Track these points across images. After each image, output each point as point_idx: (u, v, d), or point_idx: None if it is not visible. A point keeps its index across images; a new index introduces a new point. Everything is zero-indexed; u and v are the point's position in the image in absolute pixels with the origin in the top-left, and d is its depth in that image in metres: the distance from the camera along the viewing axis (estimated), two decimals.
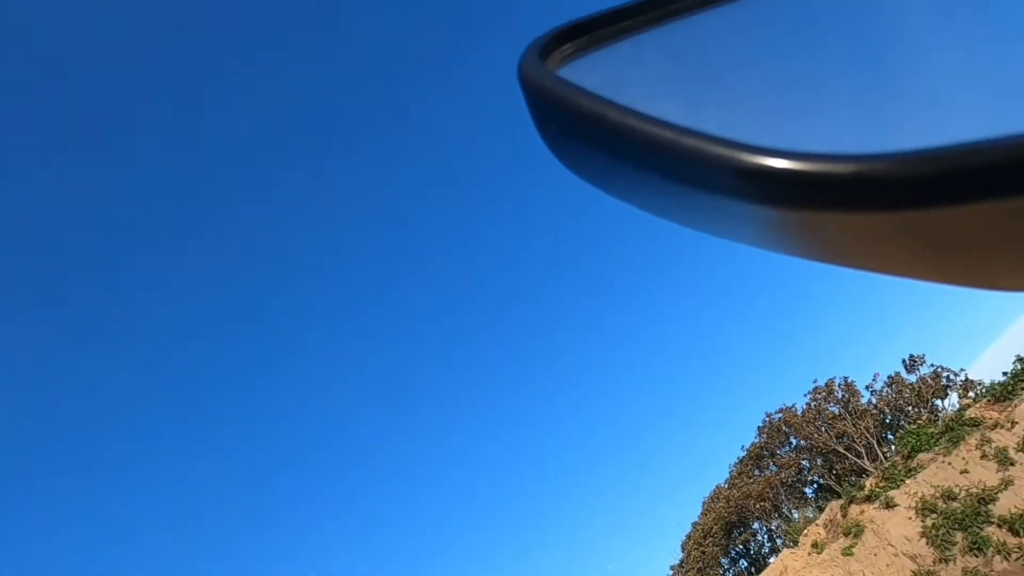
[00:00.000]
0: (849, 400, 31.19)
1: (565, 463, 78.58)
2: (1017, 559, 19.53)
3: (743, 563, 35.08)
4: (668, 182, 0.35)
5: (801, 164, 0.29)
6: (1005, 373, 25.31)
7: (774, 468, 33.11)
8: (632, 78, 0.50)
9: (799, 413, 32.39)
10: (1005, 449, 21.90)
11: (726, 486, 35.08)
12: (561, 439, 79.04)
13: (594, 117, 0.39)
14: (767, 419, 33.94)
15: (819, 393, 32.12)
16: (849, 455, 29.73)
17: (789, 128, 0.38)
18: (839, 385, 31.36)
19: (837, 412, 31.42)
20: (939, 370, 30.08)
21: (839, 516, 24.91)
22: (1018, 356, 26.05)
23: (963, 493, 21.44)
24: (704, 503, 36.48)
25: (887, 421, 30.85)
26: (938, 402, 30.25)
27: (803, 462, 32.43)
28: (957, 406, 28.10)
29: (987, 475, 21.59)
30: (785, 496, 32.80)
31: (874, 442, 29.48)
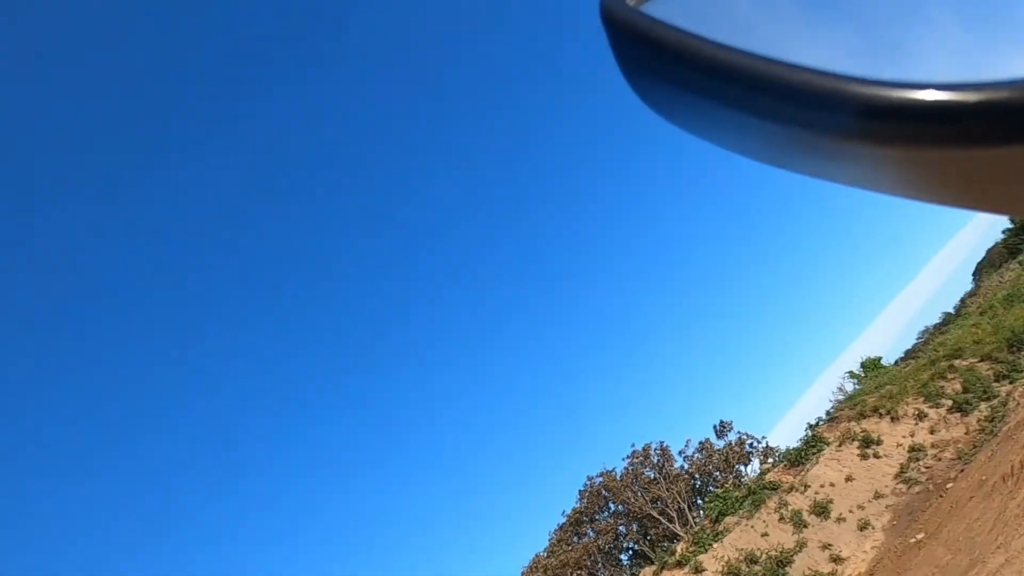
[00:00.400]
0: (664, 465, 31.78)
1: (379, 535, 73.99)
2: None
3: None
4: (772, 123, 0.33)
5: (932, 96, 0.27)
6: (800, 439, 27.01)
7: (592, 534, 32.57)
8: (719, 14, 0.46)
9: (618, 477, 32.42)
10: (799, 512, 22.87)
11: (545, 554, 33.88)
12: (376, 511, 74.66)
13: (685, 55, 0.37)
14: (588, 483, 33.64)
15: (637, 457, 32.48)
16: (662, 520, 29.96)
17: (894, 61, 0.36)
18: (655, 450, 31.94)
19: (653, 476, 31.84)
20: (744, 436, 31.74)
21: None
22: (808, 424, 28.07)
23: (764, 556, 21.91)
24: (523, 573, 34.95)
25: (697, 486, 31.73)
26: (742, 467, 31.76)
27: (620, 527, 32.25)
28: (759, 471, 29.59)
29: (784, 537, 22.30)
30: (602, 563, 32.23)
31: (685, 506, 30.02)
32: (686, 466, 32.32)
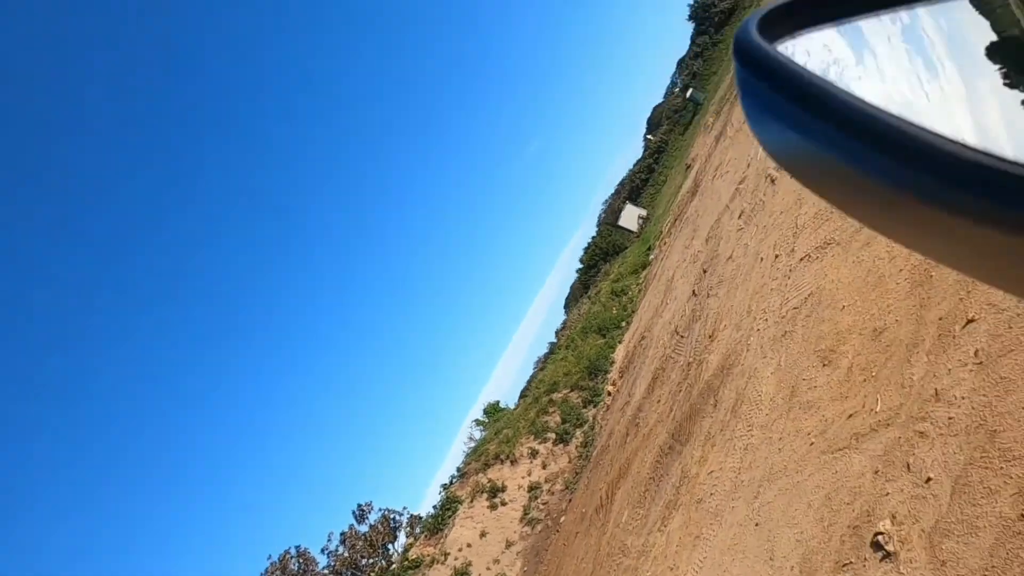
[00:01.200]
0: (306, 570, 28.04)
1: None
2: None
3: None
4: (914, 195, 0.30)
5: None
6: (435, 506, 26.23)
7: None
8: (852, 63, 0.45)
9: None
10: None
11: None
12: None
13: (827, 102, 0.34)
14: None
15: (274, 570, 28.06)
16: None
17: None
18: (293, 557, 28.01)
19: None
20: (387, 513, 29.94)
21: None
22: (442, 485, 27.62)
23: None
24: None
25: None
26: (391, 545, 29.87)
27: None
28: (405, 545, 28.03)
29: None
30: None
31: None
32: (332, 563, 29.09)
